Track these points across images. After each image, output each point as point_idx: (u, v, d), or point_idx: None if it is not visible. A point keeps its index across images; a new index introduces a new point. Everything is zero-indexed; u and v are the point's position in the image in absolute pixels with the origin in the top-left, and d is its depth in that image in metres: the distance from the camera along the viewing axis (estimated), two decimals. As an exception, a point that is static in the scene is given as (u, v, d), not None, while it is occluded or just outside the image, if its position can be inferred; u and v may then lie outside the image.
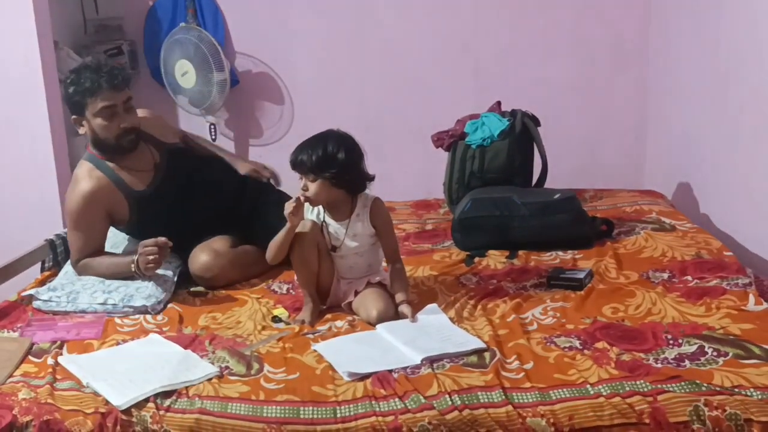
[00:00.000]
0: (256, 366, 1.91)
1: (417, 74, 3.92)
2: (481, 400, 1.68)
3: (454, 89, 3.89)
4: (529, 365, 1.81)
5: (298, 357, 1.95)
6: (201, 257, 2.49)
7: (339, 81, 3.98)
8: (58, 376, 1.89)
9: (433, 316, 2.12)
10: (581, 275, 2.34)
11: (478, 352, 1.88)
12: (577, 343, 1.91)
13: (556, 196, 2.74)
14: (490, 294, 2.30)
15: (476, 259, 2.63)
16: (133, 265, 2.40)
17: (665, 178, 3.57)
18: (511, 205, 2.73)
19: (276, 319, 2.21)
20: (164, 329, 2.21)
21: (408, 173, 3.85)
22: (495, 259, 2.62)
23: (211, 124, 3.99)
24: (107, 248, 2.58)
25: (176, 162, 2.59)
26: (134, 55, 3.99)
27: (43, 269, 2.68)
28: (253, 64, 4.03)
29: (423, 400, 1.69)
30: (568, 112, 3.84)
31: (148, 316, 2.29)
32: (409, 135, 3.90)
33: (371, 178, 2.24)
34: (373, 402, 1.70)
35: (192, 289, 2.48)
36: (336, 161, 2.13)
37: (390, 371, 1.81)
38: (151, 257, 2.35)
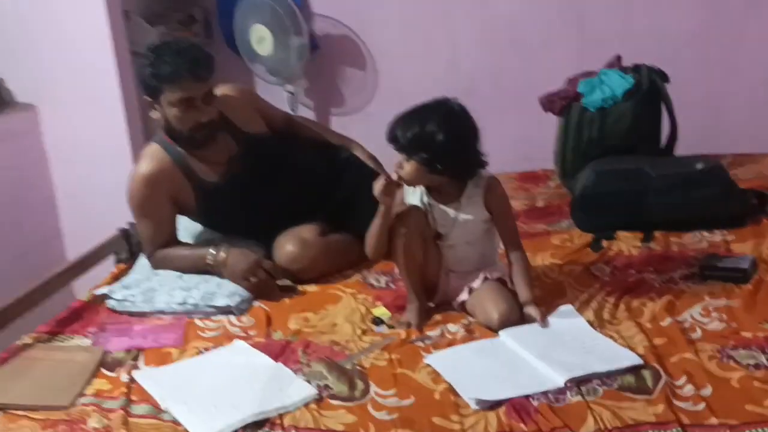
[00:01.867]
0: (360, 385, 1.60)
1: (513, 31, 3.48)
2: (655, 442, 1.32)
3: (555, 46, 3.43)
4: (706, 391, 1.43)
5: (409, 373, 1.62)
6: (287, 247, 2.20)
7: (427, 42, 3.58)
8: (134, 397, 1.63)
9: (567, 321, 1.76)
10: (744, 264, 1.92)
11: (633, 370, 1.52)
12: (763, 359, 1.51)
13: (699, 165, 2.31)
14: (631, 289, 1.91)
15: (604, 243, 2.25)
16: (209, 257, 2.13)
17: None
18: (644, 177, 2.32)
19: (377, 321, 1.90)
20: (251, 333, 1.93)
21: (506, 142, 3.43)
22: (627, 243, 2.22)
23: (290, 93, 3.68)
24: (183, 239, 2.32)
25: (257, 153, 2.27)
26: (208, 23, 3.71)
27: (117, 262, 2.44)
28: (334, 27, 3.68)
29: (578, 442, 1.34)
30: (687, 66, 3.32)
31: (232, 317, 2.01)
32: (506, 99, 3.51)
33: (483, 164, 1.87)
34: (512, 440, 1.37)
35: (280, 283, 2.18)
36: (434, 143, 1.76)
37: (527, 397, 1.47)
38: (255, 279, 2.10)
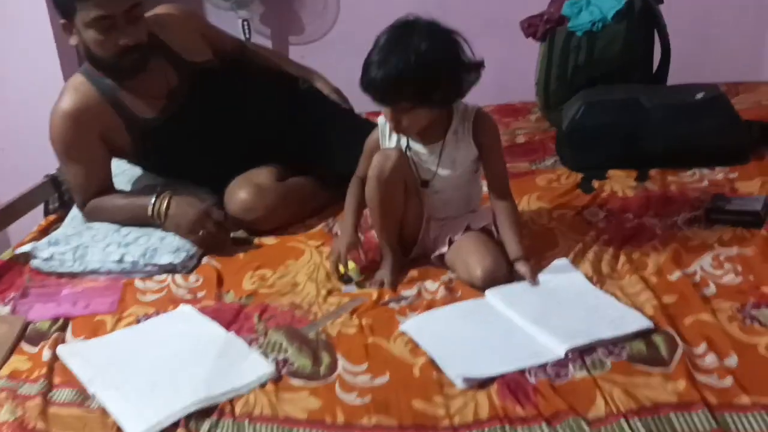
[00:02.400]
0: (325, 359, 1.36)
1: None
2: (679, 430, 1.10)
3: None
4: (731, 360, 1.22)
5: (384, 343, 1.39)
6: (239, 194, 1.93)
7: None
8: (56, 379, 1.38)
9: (564, 277, 1.53)
10: (756, 205, 1.71)
11: (643, 334, 1.30)
12: (793, 319, 1.31)
13: (699, 95, 2.08)
14: (631, 236, 1.69)
15: (595, 183, 2.02)
16: (150, 208, 1.85)
17: None
18: (639, 109, 2.08)
19: (345, 279, 1.66)
20: (199, 295, 1.68)
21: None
22: (621, 183, 2.00)
23: (244, 20, 3.33)
24: (121, 185, 2.03)
25: (203, 86, 1.97)
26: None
27: (46, 213, 2.15)
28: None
29: (586, 429, 1.12)
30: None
31: (178, 277, 1.75)
32: (480, 24, 3.15)
33: (478, 68, 1.56)
34: (507, 428, 1.15)
35: (232, 236, 1.92)
36: (430, 73, 1.47)
37: (522, 372, 1.25)
38: (203, 232, 1.83)
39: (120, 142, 1.93)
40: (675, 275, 1.50)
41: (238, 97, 2.02)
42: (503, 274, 1.55)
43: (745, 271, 1.49)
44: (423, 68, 1.45)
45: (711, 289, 1.45)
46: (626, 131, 2.08)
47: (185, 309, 1.59)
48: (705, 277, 1.49)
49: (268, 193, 1.92)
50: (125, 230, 1.88)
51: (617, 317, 1.35)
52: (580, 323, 1.35)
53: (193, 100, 1.95)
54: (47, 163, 2.10)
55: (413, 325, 1.43)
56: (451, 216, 1.68)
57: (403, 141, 1.63)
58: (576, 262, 1.60)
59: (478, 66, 1.56)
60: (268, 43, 3.50)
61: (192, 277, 1.75)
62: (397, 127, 1.55)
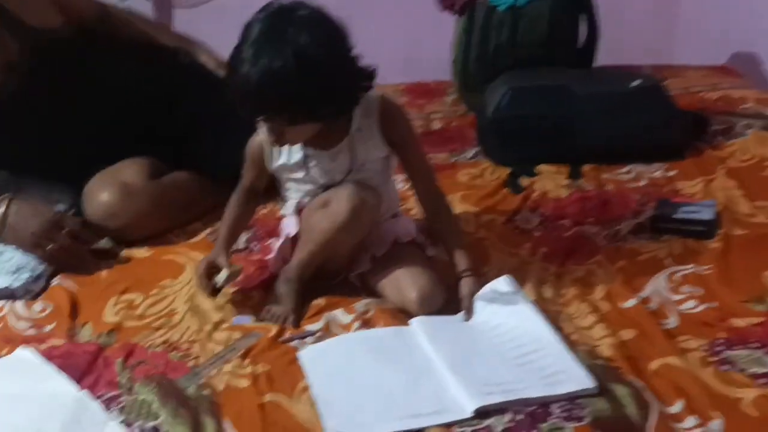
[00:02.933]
0: (209, 427, 1.05)
1: None
2: None
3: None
4: (716, 424, 1.00)
5: (284, 402, 1.09)
6: (101, 196, 1.56)
7: None
8: None
9: (508, 308, 1.26)
10: (707, 214, 1.51)
11: (595, 393, 1.06)
12: (771, 361, 1.11)
13: (635, 83, 1.87)
14: (572, 249, 1.46)
15: (524, 181, 1.78)
16: None
17: (713, 47, 2.67)
18: (570, 97, 1.85)
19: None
20: (46, 329, 1.32)
21: (387, 48, 2.85)
22: (552, 181, 1.77)
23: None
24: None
25: (52, 58, 1.57)
26: None
27: None
28: None
29: None
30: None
31: (18, 305, 1.39)
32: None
33: (371, 77, 1.28)
34: None
35: (94, 246, 1.55)
36: (315, 89, 1.17)
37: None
38: (53, 246, 1.46)
39: None
40: (630, 302, 1.28)
41: (98, 74, 1.63)
42: (442, 297, 1.28)
43: (707, 295, 1.28)
44: (307, 76, 1.14)
45: (672, 321, 1.23)
46: (556, 122, 1.85)
47: (23, 354, 1.23)
48: (663, 304, 1.28)
49: (138, 195, 1.57)
50: (-51, 242, 1.48)
51: (555, 371, 1.10)
52: (506, 374, 1.10)
53: (39, 76, 1.55)
54: None
55: (309, 355, 1.15)
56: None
57: (296, 154, 1.32)
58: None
59: (371, 76, 1.27)
60: (146, 8, 3.06)
61: (37, 305, 1.39)
62: (279, 141, 1.26)
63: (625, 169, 1.81)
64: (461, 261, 1.31)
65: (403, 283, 1.28)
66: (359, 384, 1.10)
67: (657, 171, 1.78)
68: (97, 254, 1.54)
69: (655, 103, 1.84)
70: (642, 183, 1.74)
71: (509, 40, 2.11)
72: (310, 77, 1.14)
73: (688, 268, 1.37)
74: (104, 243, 1.55)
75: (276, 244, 1.43)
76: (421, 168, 1.39)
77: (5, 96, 1.53)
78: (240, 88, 1.17)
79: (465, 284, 1.28)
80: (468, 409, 1.02)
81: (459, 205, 1.66)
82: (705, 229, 1.48)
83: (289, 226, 1.40)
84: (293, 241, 1.40)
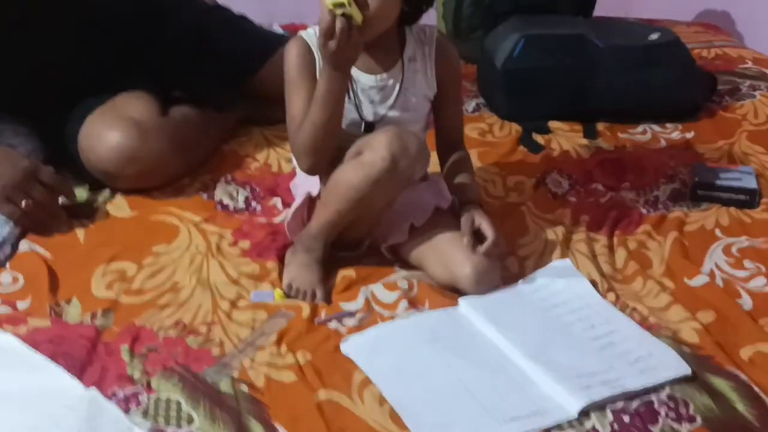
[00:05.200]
0: (252, 425, 0.88)
1: None
2: None
3: None
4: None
5: (344, 401, 0.93)
6: (111, 137, 1.30)
7: None
8: None
9: (563, 283, 1.13)
10: (751, 182, 1.43)
11: (690, 378, 0.96)
12: None
13: (653, 36, 1.75)
14: (616, 217, 1.34)
15: (539, 138, 1.64)
16: None
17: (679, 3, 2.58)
18: (590, 48, 1.71)
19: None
20: (20, 306, 1.09)
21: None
22: (569, 139, 1.64)
23: None
24: None
25: None
26: None
27: None
28: None
29: None
30: None
31: (-18, 275, 1.14)
32: None
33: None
34: None
35: (62, 202, 1.30)
36: None
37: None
38: (27, 202, 1.20)
39: None
40: (697, 280, 1.17)
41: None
42: (497, 273, 1.13)
43: (771, 267, 1.20)
44: None
45: (745, 300, 1.14)
46: (573, 75, 1.71)
47: (3, 340, 1.00)
48: (728, 280, 1.18)
49: (155, 134, 1.32)
50: None
51: (643, 356, 0.98)
52: (593, 362, 0.97)
53: None
54: None
55: (358, 347, 1.00)
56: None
57: None
58: (563, 255, 1.22)
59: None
60: None
61: (5, 276, 1.14)
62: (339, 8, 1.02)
63: (639, 129, 1.70)
64: (471, 191, 1.19)
65: (453, 256, 1.12)
66: (434, 384, 0.94)
67: (673, 132, 1.69)
68: (67, 211, 1.29)
69: (676, 59, 1.73)
70: (662, 144, 1.64)
71: (510, -18, 1.95)
72: None
73: (743, 242, 1.28)
74: (80, 196, 1.31)
75: (294, 204, 1.23)
76: (458, 116, 1.27)
77: None
78: None
79: (469, 211, 1.15)
80: (573, 409, 0.89)
81: (477, 164, 1.50)
82: (747, 198, 1.40)
83: (310, 182, 1.20)
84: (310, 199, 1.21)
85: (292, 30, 2.00)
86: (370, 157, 1.08)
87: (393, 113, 1.16)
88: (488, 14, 1.96)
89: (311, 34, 1.13)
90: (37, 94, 1.33)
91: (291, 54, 1.13)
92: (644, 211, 1.37)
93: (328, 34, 1.01)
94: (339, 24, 1.00)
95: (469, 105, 1.80)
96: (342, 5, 0.98)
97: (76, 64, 1.35)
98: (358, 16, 1.00)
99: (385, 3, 1.06)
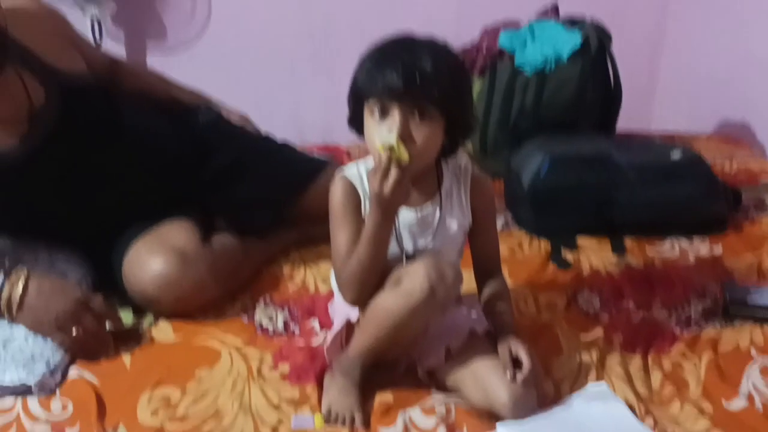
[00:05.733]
0: None
1: None
2: None
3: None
4: None
5: None
6: (153, 265, 1.37)
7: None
8: None
9: (602, 408, 1.14)
10: (784, 300, 1.45)
11: None
12: None
13: (675, 155, 1.81)
14: (649, 336, 1.36)
15: (567, 254, 1.68)
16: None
17: (697, 113, 2.67)
18: (612, 166, 1.78)
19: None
20: (69, 433, 1.12)
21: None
22: (598, 255, 1.67)
23: (95, 19, 2.69)
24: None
25: (80, 109, 1.38)
26: None
27: None
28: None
29: None
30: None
31: (33, 402, 1.17)
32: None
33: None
34: None
35: (109, 328, 1.35)
36: (462, 78, 1.18)
37: None
38: (79, 331, 1.25)
39: None
40: (736, 403, 1.18)
41: (125, 126, 1.46)
42: (534, 399, 1.14)
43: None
44: (452, 66, 1.14)
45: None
46: (597, 192, 1.77)
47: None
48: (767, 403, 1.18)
49: (195, 262, 1.38)
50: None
51: None
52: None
53: (67, 125, 1.36)
54: None
55: None
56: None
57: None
58: (598, 376, 1.24)
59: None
60: (120, 50, 2.87)
61: (55, 403, 1.18)
62: (403, 129, 1.10)
63: (667, 244, 1.73)
64: (507, 319, 1.23)
65: (490, 382, 1.14)
66: None
67: (701, 247, 1.72)
68: (114, 336, 1.34)
69: (699, 175, 1.79)
70: (691, 260, 1.67)
71: (534, 105, 2.05)
72: (456, 74, 1.14)
73: (783, 364, 1.29)
74: (126, 321, 1.36)
75: (333, 329, 1.27)
76: (494, 244, 1.32)
77: (31, 149, 1.33)
78: (393, 67, 1.09)
79: (507, 339, 1.18)
80: None
81: (509, 281, 1.54)
82: (782, 318, 1.41)
83: (349, 307, 1.24)
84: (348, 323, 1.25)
85: (327, 151, 2.11)
86: (409, 286, 1.12)
87: (432, 244, 1.21)
88: (513, 134, 2.06)
89: (354, 174, 1.20)
90: (88, 224, 1.41)
91: (336, 194, 1.20)
92: (677, 329, 1.39)
93: (380, 177, 1.08)
94: (394, 174, 1.06)
95: (498, 221, 1.86)
96: (391, 147, 1.06)
97: (126, 198, 1.43)
98: (405, 156, 1.07)
99: (429, 140, 1.12)
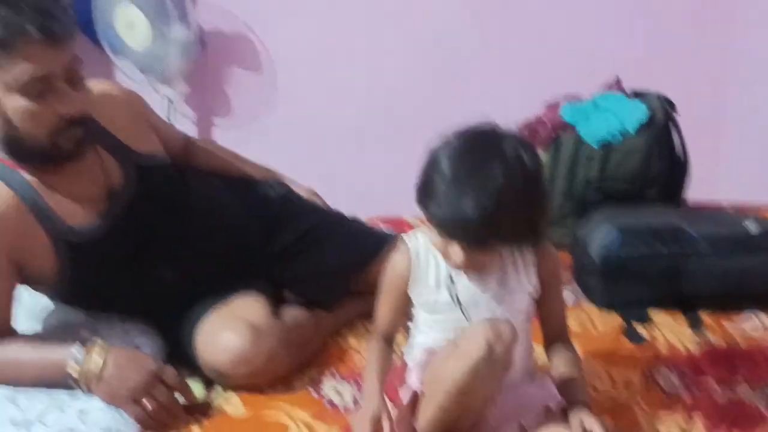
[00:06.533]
0: None
1: (446, 39, 2.80)
2: None
3: (497, 62, 2.82)
4: None
5: None
6: (227, 339, 1.38)
7: (340, 44, 2.83)
8: None
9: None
10: None
11: None
12: None
13: (750, 226, 1.76)
14: (733, 417, 1.30)
15: (641, 329, 1.63)
16: (73, 365, 1.27)
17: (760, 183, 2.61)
18: (684, 238, 1.74)
19: None
20: None
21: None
22: (673, 330, 1.62)
23: (168, 99, 2.82)
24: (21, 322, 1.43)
25: (157, 186, 1.45)
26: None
27: None
28: (224, 18, 2.87)
29: None
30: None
31: (106, 476, 1.18)
32: (436, 124, 2.86)
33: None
34: None
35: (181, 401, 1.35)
36: (534, 199, 1.13)
37: None
38: (152, 404, 1.27)
39: (40, 263, 1.34)
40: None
41: (198, 203, 1.51)
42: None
43: None
44: (527, 188, 1.10)
45: None
46: (670, 264, 1.72)
47: None
48: None
49: (268, 337, 1.39)
50: (27, 395, 1.27)
51: None
52: None
53: (142, 203, 1.41)
54: None
55: None
56: (511, 383, 1.22)
57: (443, 271, 1.19)
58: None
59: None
60: (192, 128, 2.99)
61: (128, 481, 1.19)
62: (465, 265, 1.12)
63: (744, 317, 1.67)
64: (578, 391, 1.20)
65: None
66: None
67: (781, 321, 1.65)
68: (186, 408, 1.34)
69: (774, 248, 1.73)
70: (769, 335, 1.60)
71: (599, 176, 2.03)
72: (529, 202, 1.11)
73: None
74: (198, 395, 1.37)
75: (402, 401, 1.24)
76: (560, 313, 1.31)
77: (110, 226, 1.38)
78: (458, 221, 1.08)
79: (578, 413, 1.15)
80: None
81: (581, 356, 1.50)
82: None
83: (414, 378, 1.23)
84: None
85: (392, 224, 2.13)
86: (465, 346, 1.12)
87: (499, 314, 1.19)
88: (577, 204, 2.04)
89: (417, 245, 1.22)
90: (158, 298, 1.44)
91: (393, 265, 1.25)
92: (764, 409, 1.32)
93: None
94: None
95: (567, 293, 1.82)
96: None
97: (196, 271, 1.46)
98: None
99: (491, 259, 1.17)
